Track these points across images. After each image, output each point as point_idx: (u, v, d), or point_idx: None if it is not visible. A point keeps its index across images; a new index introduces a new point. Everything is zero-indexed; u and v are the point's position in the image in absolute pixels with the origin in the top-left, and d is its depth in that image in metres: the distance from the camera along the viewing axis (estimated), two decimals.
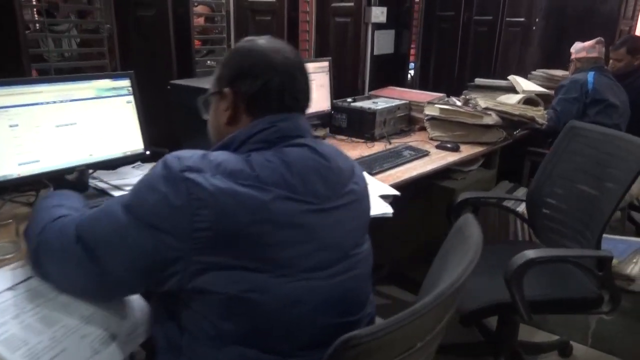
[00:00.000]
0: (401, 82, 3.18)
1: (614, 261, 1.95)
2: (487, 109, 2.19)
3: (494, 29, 4.02)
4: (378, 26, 3.03)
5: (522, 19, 4.16)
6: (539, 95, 3.05)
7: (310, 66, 2.28)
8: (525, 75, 4.10)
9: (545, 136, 2.73)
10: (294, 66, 0.90)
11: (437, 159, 2.05)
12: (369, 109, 2.31)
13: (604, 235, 2.27)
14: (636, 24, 5.16)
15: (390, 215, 1.37)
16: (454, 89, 3.80)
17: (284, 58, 0.89)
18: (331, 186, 0.88)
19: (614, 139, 1.68)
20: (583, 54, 2.96)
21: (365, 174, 1.74)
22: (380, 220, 2.69)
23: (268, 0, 2.22)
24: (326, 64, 2.33)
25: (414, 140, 2.34)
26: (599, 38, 2.98)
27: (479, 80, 3.49)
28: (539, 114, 2.25)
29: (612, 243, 2.13)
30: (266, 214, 0.78)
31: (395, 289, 2.54)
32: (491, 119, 2.16)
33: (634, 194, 2.57)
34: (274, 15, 2.23)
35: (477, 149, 2.23)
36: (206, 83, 0.96)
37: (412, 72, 3.77)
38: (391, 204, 1.49)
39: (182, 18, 1.84)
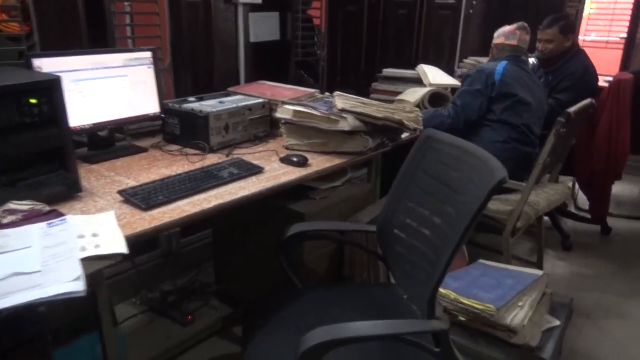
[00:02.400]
0: (285, 73, 2.68)
1: (492, 308, 1.51)
2: (343, 110, 1.71)
3: (413, 11, 3.55)
4: (253, 7, 2.53)
5: (452, 1, 3.72)
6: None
7: (118, 57, 1.77)
8: (457, 63, 3.68)
9: None
10: None
11: (268, 179, 1.55)
12: (201, 111, 1.80)
13: (503, 267, 1.85)
14: (583, 7, 4.76)
15: (82, 294, 0.88)
16: (363, 81, 3.33)
17: None
18: None
19: (467, 155, 1.21)
20: (501, 40, 2.48)
21: (101, 216, 1.13)
22: (234, 248, 2.18)
23: None
24: (147, 54, 1.82)
25: (265, 150, 1.85)
26: (521, 22, 2.51)
27: (387, 71, 3.01)
28: (411, 117, 1.77)
29: (501, 276, 1.69)
30: None
31: None
32: (347, 124, 1.68)
33: (541, 209, 2.13)
34: None
35: (336, 161, 1.75)
36: None
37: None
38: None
39: None
